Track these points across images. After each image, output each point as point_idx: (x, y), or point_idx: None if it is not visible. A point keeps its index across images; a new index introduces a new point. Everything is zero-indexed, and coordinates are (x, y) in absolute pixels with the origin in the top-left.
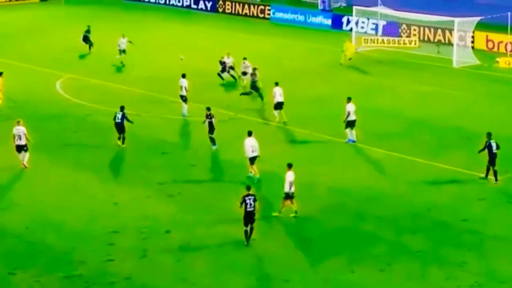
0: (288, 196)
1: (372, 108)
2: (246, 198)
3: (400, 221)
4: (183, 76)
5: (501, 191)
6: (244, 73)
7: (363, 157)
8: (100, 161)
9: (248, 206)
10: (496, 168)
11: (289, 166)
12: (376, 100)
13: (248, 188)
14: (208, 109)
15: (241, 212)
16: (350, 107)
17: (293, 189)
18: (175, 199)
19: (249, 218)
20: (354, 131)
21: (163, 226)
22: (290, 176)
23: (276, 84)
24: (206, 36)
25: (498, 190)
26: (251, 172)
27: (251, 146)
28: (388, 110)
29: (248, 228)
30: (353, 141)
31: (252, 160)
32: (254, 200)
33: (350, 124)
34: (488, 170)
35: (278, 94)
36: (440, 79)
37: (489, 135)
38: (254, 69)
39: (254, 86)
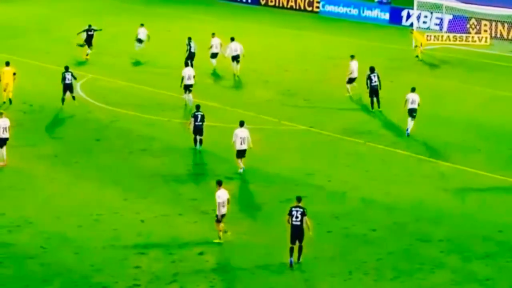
0: (219, 219)
1: (435, 115)
2: (293, 209)
3: (467, 244)
4: (187, 65)
5: None
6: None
7: (425, 171)
8: (126, 173)
9: (294, 219)
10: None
11: (219, 183)
12: (441, 105)
13: (299, 199)
14: (198, 107)
15: (287, 227)
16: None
17: (224, 211)
18: (210, 217)
19: (295, 233)
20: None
21: (195, 248)
22: (222, 194)
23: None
24: (247, 32)
25: None
26: (240, 168)
27: (241, 138)
28: (454, 118)
29: (296, 246)
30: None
31: (240, 153)
32: (303, 214)
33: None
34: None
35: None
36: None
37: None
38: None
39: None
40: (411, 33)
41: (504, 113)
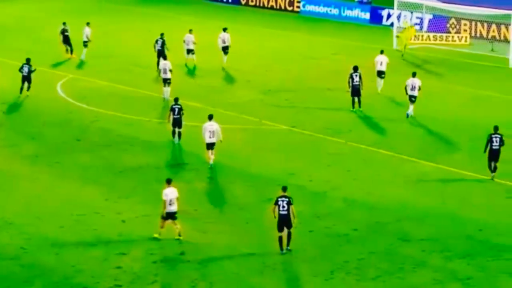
0: (168, 216)
1: (417, 114)
2: (279, 199)
3: (449, 244)
4: (165, 58)
5: None
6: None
7: (407, 170)
8: (107, 173)
9: (281, 208)
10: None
11: (168, 181)
12: (422, 105)
13: (284, 189)
14: (176, 100)
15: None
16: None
17: (174, 208)
18: (191, 217)
19: (282, 222)
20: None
21: (177, 248)
22: (170, 193)
23: (382, 52)
24: (227, 32)
25: None
26: (210, 161)
27: (209, 131)
28: (436, 117)
29: (284, 233)
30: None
31: (209, 145)
32: (289, 203)
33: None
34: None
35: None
36: (494, 81)
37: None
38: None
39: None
40: (398, 37)
41: (486, 113)
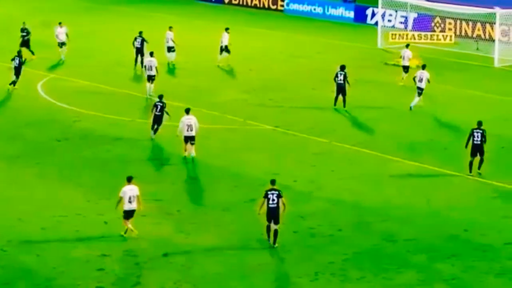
0: (126, 213)
1: (402, 113)
2: (269, 192)
3: (434, 244)
4: (151, 54)
5: None
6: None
7: (391, 170)
8: (88, 174)
9: (271, 201)
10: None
11: (128, 179)
12: (407, 104)
13: (273, 182)
14: (160, 97)
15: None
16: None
17: (133, 206)
18: (174, 218)
19: (271, 215)
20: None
21: (160, 249)
22: (129, 190)
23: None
24: (210, 31)
25: None
26: (189, 154)
27: (187, 125)
28: (421, 116)
29: (271, 226)
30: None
31: (188, 139)
32: (278, 196)
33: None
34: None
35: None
36: (478, 80)
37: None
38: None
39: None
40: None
41: (471, 112)
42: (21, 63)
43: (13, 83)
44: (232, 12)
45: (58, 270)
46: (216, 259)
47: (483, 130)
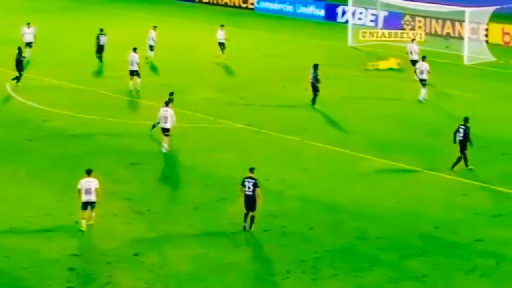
0: (84, 205)
1: (372, 112)
2: (246, 180)
3: (404, 241)
4: (135, 50)
5: None
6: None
7: (362, 168)
8: (59, 174)
9: (246, 189)
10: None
11: (87, 172)
12: (377, 102)
13: (251, 170)
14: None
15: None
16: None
17: (90, 198)
18: (145, 217)
19: (247, 203)
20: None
21: (130, 248)
22: (85, 182)
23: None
24: (181, 29)
25: None
26: (164, 146)
27: (163, 116)
28: (390, 114)
29: (248, 215)
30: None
31: (163, 130)
32: (255, 185)
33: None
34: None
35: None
36: (448, 78)
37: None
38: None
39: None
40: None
41: (441, 110)
42: (21, 59)
43: (17, 79)
44: (202, 10)
45: (28, 271)
46: (188, 258)
47: (466, 127)
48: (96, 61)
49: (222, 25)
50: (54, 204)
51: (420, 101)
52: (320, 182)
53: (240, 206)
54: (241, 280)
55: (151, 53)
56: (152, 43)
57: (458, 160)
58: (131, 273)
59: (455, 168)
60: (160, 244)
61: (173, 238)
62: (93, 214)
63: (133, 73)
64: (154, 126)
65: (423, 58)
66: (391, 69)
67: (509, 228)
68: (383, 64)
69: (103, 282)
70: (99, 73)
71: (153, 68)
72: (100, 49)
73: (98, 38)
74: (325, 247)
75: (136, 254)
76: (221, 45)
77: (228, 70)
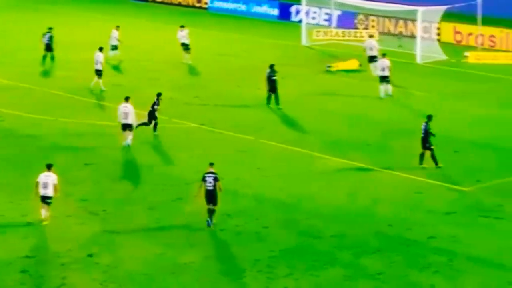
0: (41, 199)
1: (326, 111)
2: (206, 175)
3: (359, 240)
4: (100, 49)
5: (471, 204)
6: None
7: (317, 167)
8: (10, 175)
9: (208, 184)
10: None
11: (47, 167)
12: (331, 101)
13: (211, 164)
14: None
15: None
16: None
17: (47, 192)
18: (100, 218)
19: (209, 197)
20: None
21: (84, 249)
22: (44, 177)
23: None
24: (134, 29)
25: (469, 203)
26: (124, 142)
27: (124, 112)
28: (345, 113)
29: (210, 207)
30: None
31: (124, 127)
32: (215, 179)
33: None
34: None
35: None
36: (401, 76)
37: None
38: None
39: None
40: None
41: (395, 108)
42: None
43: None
44: (156, 10)
45: None
46: (142, 258)
47: (427, 124)
48: (47, 60)
49: (182, 26)
50: (6, 205)
51: (380, 98)
52: (275, 181)
53: (199, 202)
54: (196, 280)
55: (111, 53)
56: (116, 43)
57: (421, 156)
58: (86, 274)
59: (424, 164)
60: (115, 245)
61: (128, 239)
62: (48, 214)
63: (97, 72)
64: (155, 127)
65: (384, 55)
66: (352, 70)
67: (461, 226)
68: (343, 65)
69: (56, 284)
70: (50, 73)
71: (107, 68)
72: (47, 47)
73: (44, 36)
74: (280, 246)
75: (90, 255)
76: (184, 45)
77: (183, 70)
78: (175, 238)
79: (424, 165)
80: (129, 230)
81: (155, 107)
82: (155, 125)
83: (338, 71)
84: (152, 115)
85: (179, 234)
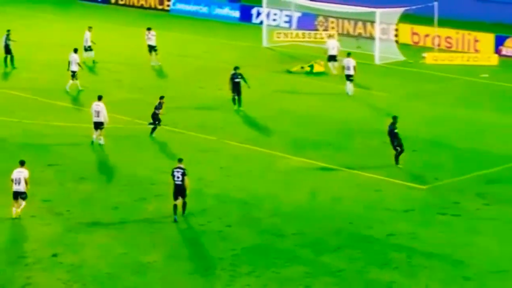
0: (14, 195)
1: (286, 111)
2: (175, 170)
3: (320, 237)
4: (75, 51)
5: (429, 201)
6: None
7: (278, 166)
8: None
9: (176, 179)
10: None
11: (20, 163)
12: (291, 101)
13: (180, 160)
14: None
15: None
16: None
17: (19, 188)
18: (63, 218)
19: (177, 191)
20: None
21: (49, 249)
22: (16, 172)
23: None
24: (97, 31)
25: (427, 200)
26: (96, 138)
27: (95, 110)
28: (305, 113)
29: (178, 202)
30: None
31: (96, 125)
32: (183, 174)
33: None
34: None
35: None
36: (360, 77)
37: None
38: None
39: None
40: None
41: (353, 108)
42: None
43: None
44: (118, 12)
45: None
46: (107, 258)
47: (391, 123)
48: (8, 62)
49: (149, 28)
50: None
51: (348, 94)
52: (237, 181)
53: (169, 197)
54: (160, 278)
55: (86, 54)
56: (89, 44)
57: (396, 155)
58: (50, 274)
59: (400, 165)
60: (79, 245)
61: (92, 238)
62: (23, 203)
63: (73, 74)
64: (152, 130)
65: (348, 55)
66: (317, 73)
67: (420, 223)
68: (308, 68)
69: (21, 283)
70: (12, 74)
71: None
72: (6, 49)
73: (2, 38)
74: (242, 244)
75: (54, 255)
76: (151, 47)
77: (145, 71)
78: (139, 237)
79: (400, 165)
80: (93, 230)
81: (157, 111)
82: (153, 129)
83: (302, 73)
84: (154, 118)
85: (142, 233)
